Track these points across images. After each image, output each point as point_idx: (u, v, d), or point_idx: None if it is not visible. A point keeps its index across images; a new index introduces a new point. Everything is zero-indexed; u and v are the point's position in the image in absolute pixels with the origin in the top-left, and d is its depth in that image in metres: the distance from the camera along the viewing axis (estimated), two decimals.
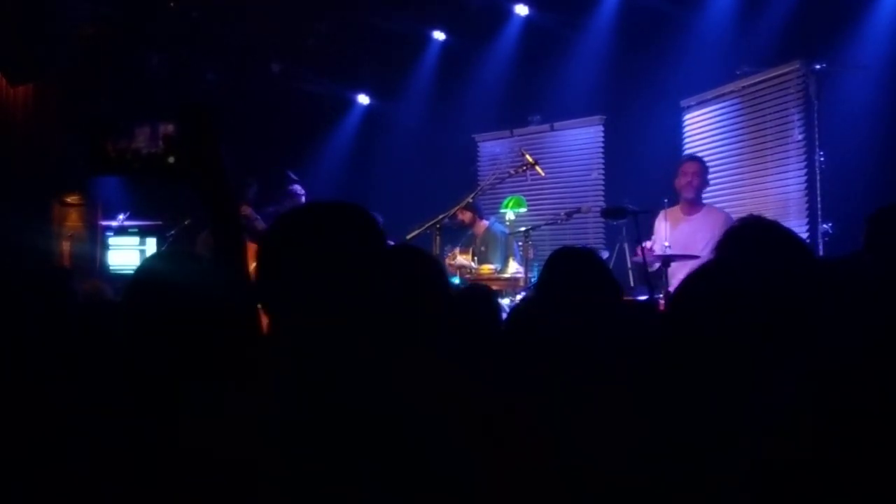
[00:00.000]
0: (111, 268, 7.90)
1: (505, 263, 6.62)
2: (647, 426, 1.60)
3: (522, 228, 6.42)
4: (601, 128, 8.22)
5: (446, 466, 1.30)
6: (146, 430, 1.55)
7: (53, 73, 8.27)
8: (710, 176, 6.05)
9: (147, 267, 1.96)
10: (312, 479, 1.30)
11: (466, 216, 7.03)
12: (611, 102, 7.95)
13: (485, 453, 1.34)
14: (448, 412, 1.36)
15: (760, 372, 1.49)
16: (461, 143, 9.17)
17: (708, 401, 1.56)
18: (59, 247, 7.97)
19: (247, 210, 6.99)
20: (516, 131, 8.83)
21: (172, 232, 7.16)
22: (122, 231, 7.98)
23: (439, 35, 8.82)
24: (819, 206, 5.68)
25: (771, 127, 6.49)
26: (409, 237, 6.26)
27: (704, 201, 5.86)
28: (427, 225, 6.18)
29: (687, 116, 7.44)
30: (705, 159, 6.31)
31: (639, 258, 5.37)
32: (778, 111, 6.42)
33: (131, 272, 1.94)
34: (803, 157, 6.07)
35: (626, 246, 6.08)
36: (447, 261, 6.72)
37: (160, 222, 7.72)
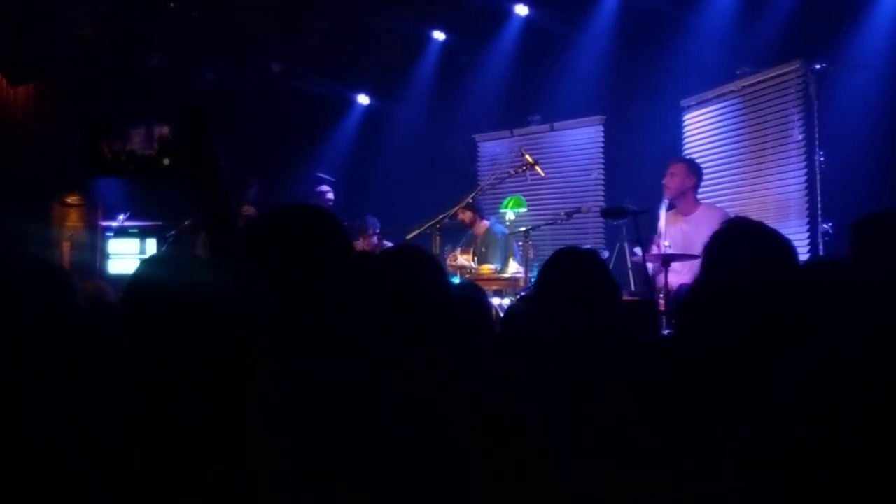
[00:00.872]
0: (111, 269, 7.89)
1: (505, 264, 6.62)
2: (645, 426, 1.60)
3: (522, 228, 6.42)
4: (601, 128, 8.22)
5: (442, 469, 1.30)
6: (147, 431, 1.55)
7: (53, 73, 8.28)
8: (709, 176, 6.04)
9: (144, 270, 1.95)
10: (308, 484, 1.29)
11: (467, 216, 7.03)
12: (611, 102, 7.94)
13: (482, 455, 1.34)
14: (445, 413, 1.35)
15: (756, 374, 1.49)
16: (461, 143, 9.17)
17: (705, 402, 1.56)
18: (59, 247, 7.97)
19: (249, 210, 7.00)
20: (516, 131, 8.84)
21: (172, 233, 7.16)
22: (122, 232, 7.97)
23: (439, 35, 8.82)
24: (819, 205, 5.67)
25: (771, 127, 6.49)
26: (408, 237, 6.26)
27: (704, 201, 5.85)
28: (427, 225, 6.18)
29: (687, 116, 7.43)
30: (705, 159, 6.32)
31: (638, 258, 5.37)
32: (778, 111, 6.41)
33: (131, 273, 1.94)
34: (803, 156, 6.06)
35: (626, 246, 6.07)
36: (448, 262, 6.72)
37: (160, 223, 7.71)
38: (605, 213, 6.08)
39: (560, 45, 8.02)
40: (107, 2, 7.96)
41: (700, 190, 5.88)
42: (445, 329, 1.96)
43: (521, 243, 6.38)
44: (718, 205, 6.20)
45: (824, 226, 5.61)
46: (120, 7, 8.02)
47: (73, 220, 8.49)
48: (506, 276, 6.43)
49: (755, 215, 5.61)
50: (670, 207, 5.72)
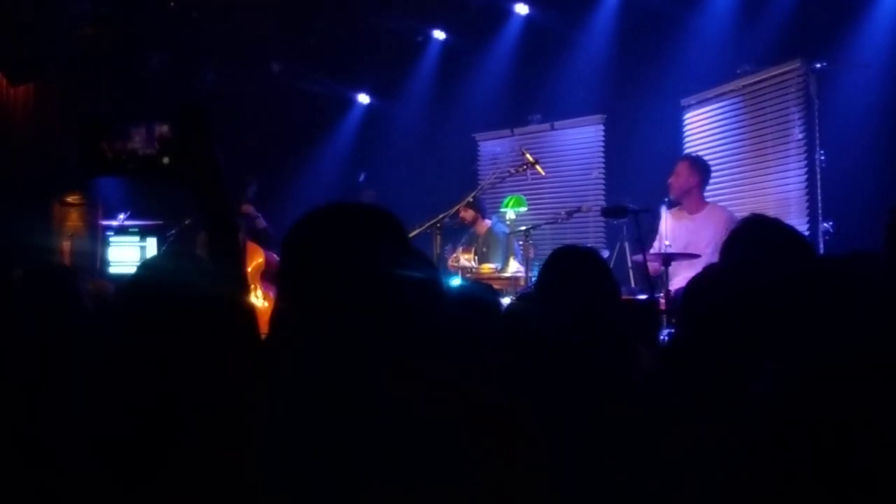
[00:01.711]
0: (112, 268, 7.89)
1: (505, 263, 6.62)
2: (644, 426, 1.59)
3: (523, 228, 6.41)
4: (601, 127, 8.22)
5: (445, 466, 1.30)
6: (149, 430, 1.55)
7: (53, 72, 8.28)
8: (709, 174, 5.99)
9: (145, 269, 1.95)
10: (315, 479, 1.29)
11: (469, 214, 7.03)
12: (611, 101, 7.94)
13: (483, 453, 1.34)
14: (447, 412, 1.35)
15: (765, 371, 1.48)
16: (461, 143, 9.16)
17: (709, 402, 1.56)
18: (60, 246, 7.98)
19: (248, 208, 7.00)
20: (517, 130, 8.83)
21: (173, 232, 7.16)
22: (122, 231, 7.97)
23: (439, 34, 8.82)
24: (819, 204, 5.67)
25: (771, 126, 6.48)
26: (409, 236, 6.25)
27: (708, 200, 5.82)
28: (427, 224, 6.17)
29: (687, 115, 7.43)
30: (705, 158, 6.28)
31: (639, 257, 5.36)
32: (778, 110, 6.41)
33: (132, 272, 1.94)
34: (804, 155, 6.06)
35: (626, 245, 6.07)
36: (450, 262, 6.72)
37: (161, 222, 7.71)
38: (606, 213, 6.07)
39: (560, 44, 8.02)
40: (107, 1, 7.96)
41: (707, 186, 5.84)
42: (442, 330, 1.96)
43: (521, 242, 6.37)
44: (720, 203, 6.19)
45: (824, 225, 5.61)
46: (120, 6, 8.03)
47: (74, 219, 8.50)
48: (506, 275, 6.43)
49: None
50: (670, 206, 5.71)
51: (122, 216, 7.89)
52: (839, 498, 1.23)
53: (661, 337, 4.01)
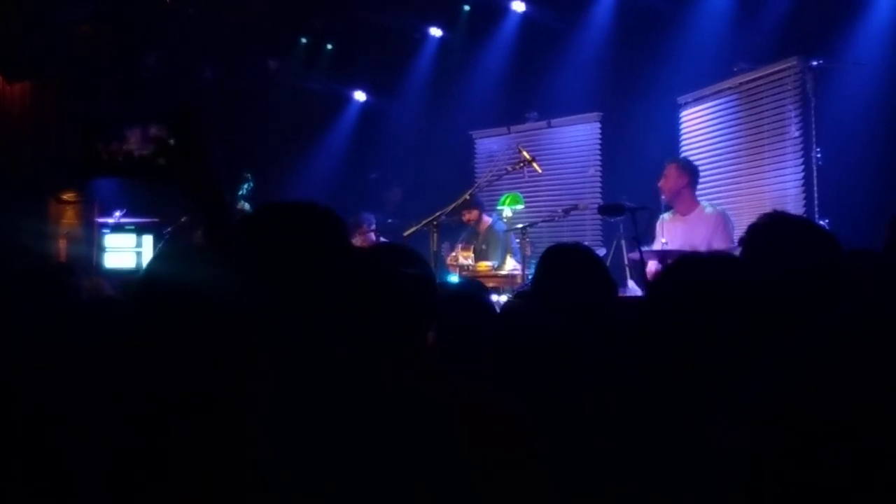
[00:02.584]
0: (107, 265, 7.87)
1: (503, 260, 6.62)
2: (641, 425, 1.60)
3: (520, 225, 6.41)
4: (598, 124, 8.22)
5: (439, 468, 1.30)
6: (150, 429, 1.55)
7: (50, 70, 8.27)
8: (706, 173, 6.02)
9: (156, 266, 1.93)
10: (310, 483, 1.30)
11: (473, 215, 7.04)
12: (608, 99, 7.94)
13: (478, 454, 1.34)
14: (441, 410, 1.36)
15: (758, 366, 1.48)
16: (458, 140, 9.16)
17: (699, 397, 1.56)
18: (56, 244, 7.97)
19: (244, 206, 6.99)
20: (513, 128, 8.82)
21: (169, 229, 7.15)
22: (118, 228, 7.96)
23: (436, 31, 8.82)
24: (816, 202, 5.67)
25: (768, 123, 6.49)
26: (406, 234, 6.26)
27: (701, 199, 5.84)
28: (424, 222, 6.17)
29: (684, 113, 7.44)
30: (702, 156, 6.30)
31: (635, 255, 5.37)
32: (775, 108, 6.41)
33: (127, 269, 1.93)
34: (800, 153, 6.06)
35: (623, 243, 6.07)
36: (448, 261, 6.72)
37: (157, 219, 7.70)
38: (603, 210, 6.07)
39: (557, 41, 8.02)
40: (104, 0, 7.96)
41: (697, 186, 5.86)
42: (431, 327, 1.96)
43: (518, 240, 6.37)
44: (715, 201, 6.20)
45: (821, 222, 5.62)
46: (117, 5, 8.02)
47: (70, 217, 8.49)
48: (503, 272, 6.43)
49: (752, 212, 5.63)
50: (667, 209, 5.73)
51: (118, 214, 7.87)
52: (839, 498, 1.23)
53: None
